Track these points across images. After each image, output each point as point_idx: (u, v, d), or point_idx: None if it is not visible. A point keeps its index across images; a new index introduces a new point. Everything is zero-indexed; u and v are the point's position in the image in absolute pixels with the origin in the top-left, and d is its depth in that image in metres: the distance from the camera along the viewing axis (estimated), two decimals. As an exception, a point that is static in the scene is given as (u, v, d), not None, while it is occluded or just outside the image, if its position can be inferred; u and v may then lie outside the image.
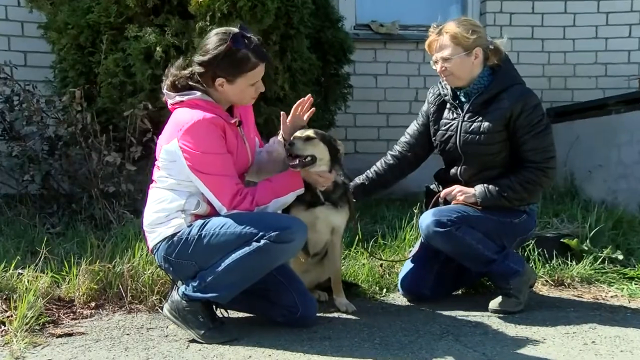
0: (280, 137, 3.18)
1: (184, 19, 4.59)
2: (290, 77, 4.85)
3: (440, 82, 3.51)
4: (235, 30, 2.88)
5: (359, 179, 3.58)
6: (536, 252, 3.93)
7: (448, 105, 3.46)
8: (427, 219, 3.29)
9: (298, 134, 3.11)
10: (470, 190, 3.35)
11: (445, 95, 3.46)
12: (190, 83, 2.94)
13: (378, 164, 3.62)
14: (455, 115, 3.42)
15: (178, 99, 2.93)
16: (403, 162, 3.59)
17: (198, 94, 2.92)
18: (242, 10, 4.27)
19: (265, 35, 4.56)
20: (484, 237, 3.29)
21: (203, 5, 4.36)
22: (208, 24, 4.28)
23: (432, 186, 3.58)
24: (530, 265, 3.80)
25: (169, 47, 4.51)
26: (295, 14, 4.68)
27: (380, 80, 6.56)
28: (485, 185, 3.32)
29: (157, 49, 4.45)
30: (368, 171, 3.61)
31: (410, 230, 4.24)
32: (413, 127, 3.60)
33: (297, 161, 3.01)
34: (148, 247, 3.06)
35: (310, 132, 3.12)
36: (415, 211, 4.14)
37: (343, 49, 5.39)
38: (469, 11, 6.65)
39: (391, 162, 3.60)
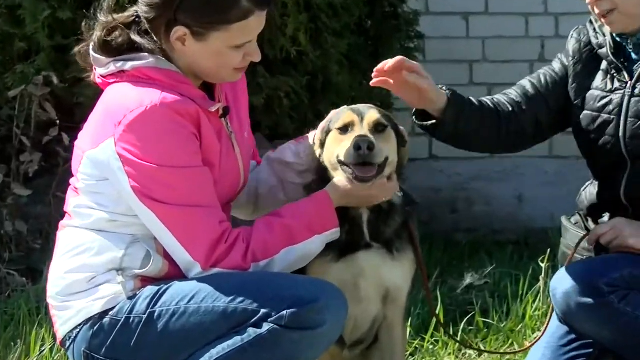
0: (309, 141, 3.25)
1: None
2: (309, 21, 4.88)
3: (591, 21, 3.53)
4: None
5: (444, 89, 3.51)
6: None
7: (604, 66, 3.47)
8: (566, 280, 3.29)
9: (354, 117, 3.13)
10: (645, 227, 3.35)
11: (601, 47, 3.47)
12: (135, 38, 2.98)
13: (484, 100, 3.59)
14: (617, 85, 3.42)
15: (115, 66, 2.97)
16: (504, 125, 3.56)
17: (151, 58, 2.96)
18: None
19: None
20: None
21: None
22: None
23: (574, 218, 3.59)
24: None
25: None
26: None
27: (475, 23, 6.57)
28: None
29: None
30: (470, 102, 3.55)
31: (535, 300, 4.19)
32: (536, 79, 3.62)
33: (375, 171, 3.08)
34: (56, 336, 3.07)
35: (376, 113, 3.17)
36: (543, 265, 4.14)
37: (405, -33, 5.48)
38: None
39: (498, 110, 3.56)
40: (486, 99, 3.61)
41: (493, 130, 3.55)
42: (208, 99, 3.01)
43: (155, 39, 2.97)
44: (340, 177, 3.10)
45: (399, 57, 3.33)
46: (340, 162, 3.10)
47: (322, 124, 3.22)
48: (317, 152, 3.21)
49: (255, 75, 4.62)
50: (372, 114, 3.17)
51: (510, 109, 3.56)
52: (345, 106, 3.25)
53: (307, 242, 3.01)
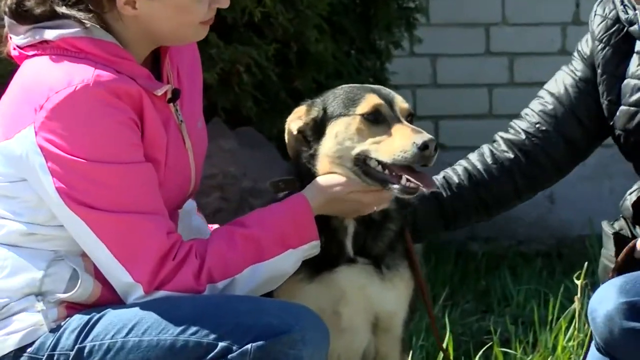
0: None
1: None
2: (279, -25, 4.86)
3: None
4: None
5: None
6: None
7: (638, 47, 3.52)
8: (608, 300, 3.31)
9: (381, 101, 3.11)
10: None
11: (632, 24, 3.51)
12: (61, 10, 2.95)
13: (473, 158, 3.67)
14: None
15: (37, 35, 2.97)
16: (522, 166, 3.64)
17: (82, 26, 2.94)
18: None
19: None
20: None
21: None
22: None
23: (617, 224, 3.62)
24: None
25: None
26: None
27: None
28: None
29: None
30: (450, 170, 3.64)
31: (569, 327, 4.18)
32: (555, 88, 3.66)
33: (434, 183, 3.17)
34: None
35: (403, 100, 3.16)
36: (579, 282, 4.14)
37: None
38: None
39: (501, 160, 3.64)
40: (483, 150, 3.67)
41: (505, 187, 3.64)
42: (154, 79, 3.02)
43: (91, 8, 2.95)
44: (326, 176, 3.10)
45: None
46: (361, 160, 3.08)
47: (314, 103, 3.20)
48: (294, 131, 3.20)
49: (206, 44, 4.56)
50: (401, 100, 3.15)
51: (524, 137, 3.64)
52: (358, 85, 3.25)
53: (278, 258, 3.03)
